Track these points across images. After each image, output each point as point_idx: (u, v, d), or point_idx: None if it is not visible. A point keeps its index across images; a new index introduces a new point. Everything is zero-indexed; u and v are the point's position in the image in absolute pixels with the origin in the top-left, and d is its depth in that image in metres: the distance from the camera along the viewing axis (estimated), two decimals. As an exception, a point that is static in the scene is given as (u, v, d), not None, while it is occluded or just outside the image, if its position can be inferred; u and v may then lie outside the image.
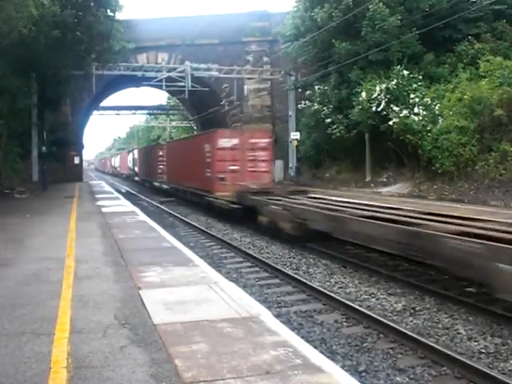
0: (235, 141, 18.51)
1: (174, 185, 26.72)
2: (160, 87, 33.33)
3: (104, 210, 15.48)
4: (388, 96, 21.94)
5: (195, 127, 52.08)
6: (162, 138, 70.81)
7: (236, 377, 3.54)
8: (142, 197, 29.09)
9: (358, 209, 11.38)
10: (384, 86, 22.02)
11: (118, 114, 54.21)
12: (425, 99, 21.17)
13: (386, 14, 22.92)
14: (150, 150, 39.71)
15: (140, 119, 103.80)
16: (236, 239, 13.78)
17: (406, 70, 22.48)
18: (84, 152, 40.58)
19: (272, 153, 19.45)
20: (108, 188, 30.56)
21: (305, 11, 27.84)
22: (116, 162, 71.77)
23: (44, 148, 26.48)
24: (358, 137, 24.61)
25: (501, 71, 19.09)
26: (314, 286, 8.43)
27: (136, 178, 46.16)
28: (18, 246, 9.02)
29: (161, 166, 32.49)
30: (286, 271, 9.56)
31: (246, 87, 34.53)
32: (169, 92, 44.04)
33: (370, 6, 22.91)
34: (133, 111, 57.13)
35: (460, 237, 7.24)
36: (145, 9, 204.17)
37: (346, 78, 25.21)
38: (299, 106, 30.26)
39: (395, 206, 12.05)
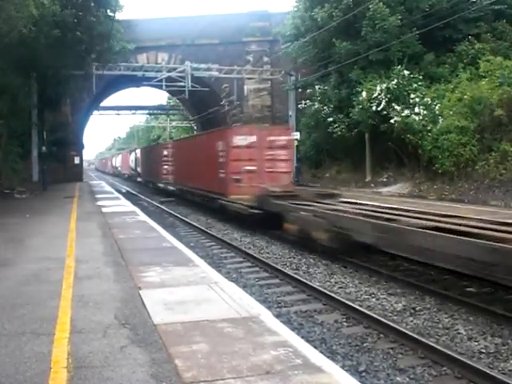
0: (252, 138, 16.84)
1: (180, 186, 25.10)
2: (160, 87, 33.33)
3: (104, 209, 15.48)
4: (388, 96, 21.94)
5: (195, 127, 52.09)
6: (162, 137, 70.87)
7: (236, 377, 3.55)
8: (143, 197, 29.09)
9: (412, 217, 9.49)
10: (384, 85, 22.03)
11: (118, 114, 54.24)
12: (425, 99, 21.18)
13: (386, 13, 22.92)
14: (154, 149, 38.04)
15: (140, 119, 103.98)
16: (236, 239, 13.78)
17: (407, 69, 22.48)
18: (84, 152, 40.56)
19: (292, 152, 17.69)
20: (108, 188, 30.56)
21: (305, 11, 27.84)
22: (117, 161, 69.94)
23: (44, 148, 26.48)
24: (358, 137, 24.61)
25: (501, 71, 19.09)
26: (314, 285, 8.42)
27: (138, 179, 44.29)
28: (18, 246, 9.02)
29: (165, 167, 30.70)
30: (286, 271, 9.56)
31: (246, 87, 34.54)
32: (169, 92, 44.04)
33: (370, 6, 22.91)
34: (133, 111, 57.14)
35: None
36: (145, 9, 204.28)
37: (346, 78, 25.20)
38: (299, 105, 30.26)
39: (458, 215, 10.10)
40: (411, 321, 6.85)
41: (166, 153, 30.96)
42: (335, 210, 11.17)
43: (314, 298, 7.96)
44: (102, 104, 47.63)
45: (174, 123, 68.24)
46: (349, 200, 13.48)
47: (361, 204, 12.66)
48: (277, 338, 4.31)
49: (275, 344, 4.16)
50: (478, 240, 7.02)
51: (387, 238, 8.71)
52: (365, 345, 6.04)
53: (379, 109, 22.05)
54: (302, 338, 5.13)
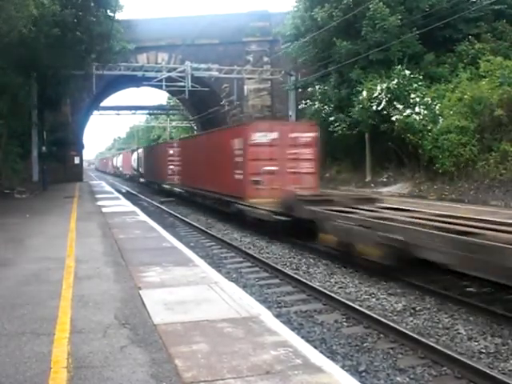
0: (273, 135, 15.09)
1: (188, 188, 23.31)
2: (160, 87, 33.33)
3: (104, 210, 15.49)
4: (389, 95, 21.95)
5: (195, 127, 52.10)
6: (162, 137, 70.88)
7: (236, 377, 3.55)
8: (143, 197, 29.10)
9: (496, 230, 7.70)
10: (385, 85, 22.03)
11: (118, 114, 54.23)
12: (425, 99, 21.19)
13: (386, 13, 22.93)
14: (158, 148, 36.45)
15: (140, 119, 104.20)
16: (236, 239, 13.77)
17: (407, 69, 22.49)
18: (84, 152, 40.54)
19: (318, 150, 15.76)
20: (108, 188, 30.57)
21: (305, 11, 27.84)
22: (118, 161, 68.84)
23: (44, 148, 26.49)
24: (358, 137, 24.61)
25: (501, 71, 19.10)
26: (314, 285, 8.42)
27: (141, 180, 42.54)
28: (18, 246, 9.02)
29: (171, 167, 29.43)
30: (286, 271, 9.55)
31: (246, 87, 34.55)
32: (169, 92, 44.05)
33: (371, 6, 22.92)
34: (133, 111, 57.15)
35: None
36: (145, 9, 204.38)
37: (346, 78, 25.20)
38: (299, 105, 30.25)
39: None
40: (411, 321, 6.85)
41: (171, 152, 29.84)
42: (384, 218, 9.36)
43: (314, 298, 7.95)
44: (102, 104, 47.66)
45: (173, 123, 68.26)
46: (392, 206, 11.66)
47: (409, 211, 10.76)
48: (277, 338, 4.30)
49: (275, 344, 4.16)
50: None
51: (474, 259, 6.83)
52: (365, 345, 6.04)
53: (379, 108, 22.06)
54: (302, 337, 5.13)
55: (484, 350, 5.81)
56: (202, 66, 29.95)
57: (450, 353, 5.51)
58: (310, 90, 28.61)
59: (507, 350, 5.79)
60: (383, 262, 8.58)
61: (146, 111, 63.52)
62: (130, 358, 3.90)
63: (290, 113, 32.06)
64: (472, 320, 6.80)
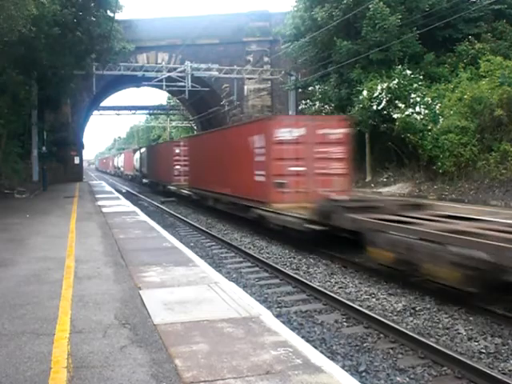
0: (299, 131, 13.20)
1: (198, 190, 21.09)
2: (160, 87, 33.37)
3: (104, 210, 15.48)
4: (389, 95, 21.95)
5: (195, 127, 52.11)
6: (162, 137, 70.93)
7: (236, 377, 3.55)
8: (143, 197, 29.09)
9: None
10: (385, 85, 22.04)
11: (118, 114, 54.27)
12: (425, 99, 21.20)
13: (386, 13, 22.94)
14: (163, 147, 34.29)
15: (140, 119, 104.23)
16: (236, 239, 13.77)
17: (407, 69, 22.50)
18: (84, 152, 40.54)
19: (349, 148, 13.73)
20: (108, 188, 30.56)
21: (305, 11, 27.85)
22: (119, 161, 67.04)
23: (44, 148, 26.53)
24: (359, 137, 24.59)
25: (501, 71, 19.12)
26: (314, 286, 8.42)
27: (144, 181, 40.16)
28: (18, 246, 9.02)
29: (177, 167, 27.64)
30: (286, 271, 9.55)
31: (246, 87, 34.58)
32: (169, 92, 44.08)
33: (371, 6, 22.93)
34: (133, 111, 57.20)
35: None
36: (145, 9, 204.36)
37: (346, 78, 25.21)
38: (299, 106, 30.26)
39: None
40: (411, 321, 6.85)
41: (177, 151, 28.11)
42: (459, 231, 7.47)
43: (314, 298, 7.95)
44: (102, 104, 47.73)
45: (173, 123, 68.32)
46: (449, 213, 9.69)
47: (475, 220, 8.89)
48: (277, 338, 4.31)
49: (275, 344, 4.16)
50: None
51: None
52: (365, 345, 6.04)
53: (380, 108, 22.06)
54: (302, 337, 5.13)
55: (484, 350, 5.81)
56: (202, 66, 29.99)
57: (450, 353, 5.51)
58: (310, 89, 28.62)
59: (507, 350, 5.79)
60: (463, 287, 6.97)
61: (146, 111, 63.54)
62: (130, 357, 3.90)
63: (290, 113, 32.06)
64: (472, 320, 6.80)
